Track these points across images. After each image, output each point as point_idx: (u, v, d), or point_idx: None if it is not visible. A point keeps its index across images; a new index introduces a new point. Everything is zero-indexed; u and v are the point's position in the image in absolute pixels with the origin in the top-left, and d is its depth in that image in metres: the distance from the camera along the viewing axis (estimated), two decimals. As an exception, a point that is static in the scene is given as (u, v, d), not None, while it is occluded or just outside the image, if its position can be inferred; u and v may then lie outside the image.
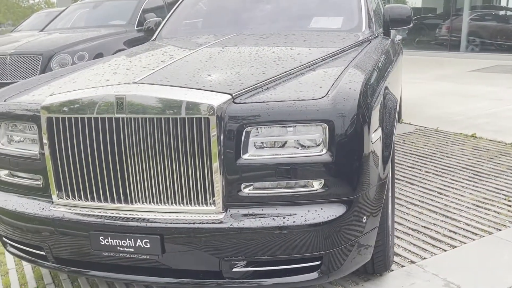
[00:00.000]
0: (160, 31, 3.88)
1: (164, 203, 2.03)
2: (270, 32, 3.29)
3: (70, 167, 2.10)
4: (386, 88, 2.58)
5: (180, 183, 1.99)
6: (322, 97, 1.98)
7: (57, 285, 2.66)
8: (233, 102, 1.97)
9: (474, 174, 4.02)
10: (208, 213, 1.99)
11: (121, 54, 3.20)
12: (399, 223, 3.15)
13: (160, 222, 1.99)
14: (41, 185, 2.21)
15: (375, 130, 2.11)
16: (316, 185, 1.96)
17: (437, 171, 4.12)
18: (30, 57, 6.25)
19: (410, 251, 2.81)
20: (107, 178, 2.06)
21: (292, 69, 2.31)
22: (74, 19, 8.16)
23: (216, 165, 1.93)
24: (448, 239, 2.93)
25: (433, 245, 2.87)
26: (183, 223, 1.97)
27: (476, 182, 3.84)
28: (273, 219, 1.94)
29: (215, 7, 4.04)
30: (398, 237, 2.97)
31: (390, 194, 2.73)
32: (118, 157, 2.02)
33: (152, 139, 1.97)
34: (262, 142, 1.97)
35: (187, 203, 2.01)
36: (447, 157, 4.50)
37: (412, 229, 3.07)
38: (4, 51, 6.42)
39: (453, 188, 3.74)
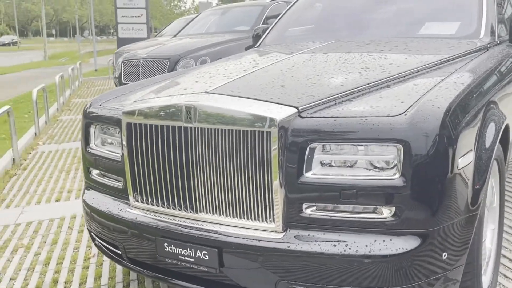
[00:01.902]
0: (264, 38, 3.86)
1: (226, 215, 1.98)
2: (370, 39, 3.07)
3: (145, 172, 2.16)
4: (493, 104, 2.23)
5: (241, 196, 1.93)
6: (399, 114, 1.77)
7: (140, 282, 2.77)
8: (299, 116, 1.85)
9: None
10: (267, 231, 1.89)
11: (216, 61, 3.24)
12: (510, 260, 2.72)
13: (219, 235, 1.94)
14: (122, 186, 2.31)
15: (464, 154, 1.83)
16: (386, 212, 1.76)
17: None
18: (159, 61, 6.70)
19: (518, 295, 2.41)
20: (176, 186, 2.08)
21: (376, 81, 2.12)
22: (208, 25, 8.58)
23: (276, 181, 1.83)
24: None
25: (548, 292, 2.42)
26: (241, 238, 1.90)
27: None
28: (334, 245, 1.78)
29: (320, 14, 3.91)
30: (506, 277, 2.56)
31: (494, 227, 2.37)
32: (186, 166, 2.03)
33: (217, 150, 1.94)
34: (329, 160, 1.82)
35: (247, 218, 1.94)
36: None
37: (526, 269, 2.63)
38: (138, 56, 6.99)
39: None
